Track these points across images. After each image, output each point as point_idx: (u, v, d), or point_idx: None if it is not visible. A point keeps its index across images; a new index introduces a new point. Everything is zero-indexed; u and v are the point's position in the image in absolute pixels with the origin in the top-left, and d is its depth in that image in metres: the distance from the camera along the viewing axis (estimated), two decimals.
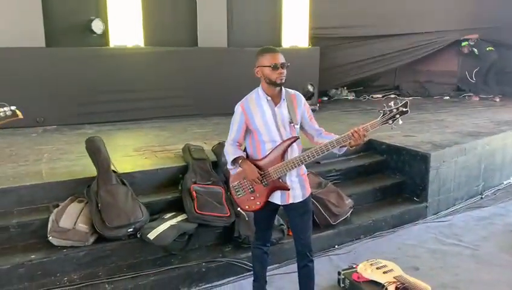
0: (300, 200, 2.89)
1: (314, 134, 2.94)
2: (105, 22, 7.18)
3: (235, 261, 3.63)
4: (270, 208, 2.94)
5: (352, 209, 4.41)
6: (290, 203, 2.89)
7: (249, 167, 2.79)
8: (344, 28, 9.45)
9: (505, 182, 6.09)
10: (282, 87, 2.84)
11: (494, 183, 5.95)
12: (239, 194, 2.90)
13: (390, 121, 2.68)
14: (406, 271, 3.52)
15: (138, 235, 3.57)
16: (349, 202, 4.38)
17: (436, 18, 9.90)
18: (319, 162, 5.12)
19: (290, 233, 3.69)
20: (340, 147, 2.74)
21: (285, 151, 2.78)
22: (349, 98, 10.15)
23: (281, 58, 2.72)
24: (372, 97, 10.15)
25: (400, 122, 2.67)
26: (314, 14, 8.65)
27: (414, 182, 5.03)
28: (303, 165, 2.90)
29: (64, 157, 4.65)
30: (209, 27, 7.90)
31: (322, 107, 8.62)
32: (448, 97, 10.16)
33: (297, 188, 2.87)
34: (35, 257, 3.26)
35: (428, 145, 5.26)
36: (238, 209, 2.98)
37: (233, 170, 2.90)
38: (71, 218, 3.48)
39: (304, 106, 2.90)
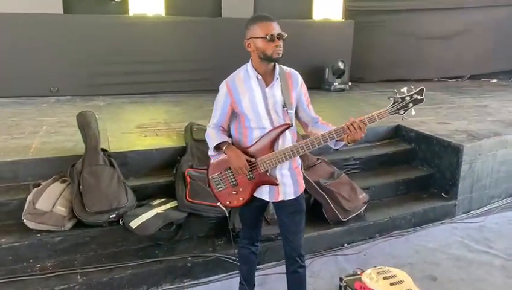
0: (292, 197, 2.48)
1: (309, 122, 2.52)
2: None
3: (226, 257, 3.26)
4: (257, 204, 2.54)
5: (366, 205, 3.93)
6: (280, 201, 2.48)
7: (235, 153, 2.37)
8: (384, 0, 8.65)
9: None
10: (277, 64, 2.39)
11: None
12: (219, 187, 2.50)
13: (402, 111, 2.25)
14: (420, 281, 3.07)
15: (121, 223, 3.26)
16: (363, 196, 3.89)
17: None
18: (337, 149, 4.62)
19: None
20: (336, 140, 2.32)
21: (274, 141, 2.36)
22: None
23: (277, 28, 2.26)
24: None
25: (413, 112, 2.26)
26: None
27: (443, 176, 4.46)
28: (298, 157, 2.48)
29: (62, 131, 4.39)
30: None
31: (353, 86, 8.02)
32: (496, 80, 9.25)
33: (288, 184, 2.46)
34: (6, 241, 3.00)
35: (463, 135, 4.64)
36: (218, 204, 2.59)
37: (214, 157, 2.50)
38: (50, 200, 3.20)
39: (301, 87, 2.45)
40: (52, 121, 4.85)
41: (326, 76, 7.55)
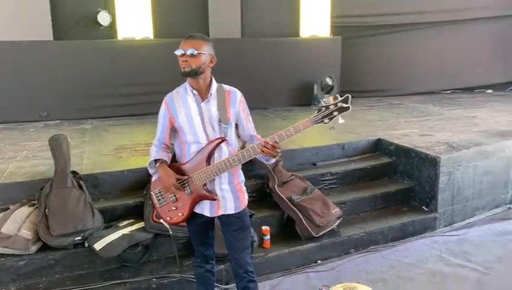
0: (232, 212, 2.50)
1: (248, 139, 2.55)
2: (113, 14, 7.01)
3: (191, 278, 3.23)
4: (201, 221, 2.55)
5: (340, 220, 3.88)
6: (222, 216, 2.50)
7: (165, 173, 2.41)
8: (372, 16, 8.64)
9: None
10: (214, 81, 2.46)
11: None
12: (161, 203, 2.53)
13: (327, 120, 2.24)
14: None
15: (86, 245, 3.26)
16: (336, 211, 3.84)
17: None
18: (315, 164, 4.63)
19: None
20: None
21: (210, 155, 2.40)
22: None
23: (188, 45, 2.30)
24: None
25: (340, 120, 2.24)
26: (336, 0, 8.02)
27: (423, 189, 4.41)
28: (239, 172, 2.54)
29: (39, 155, 4.44)
30: (221, 17, 7.54)
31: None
32: (491, 90, 9.16)
33: (229, 199, 2.48)
34: None
35: (443, 146, 4.59)
36: (161, 220, 2.61)
37: (155, 175, 2.52)
38: (16, 223, 3.23)
39: (239, 105, 2.48)
40: (34, 145, 4.90)
41: (315, 92, 7.54)
